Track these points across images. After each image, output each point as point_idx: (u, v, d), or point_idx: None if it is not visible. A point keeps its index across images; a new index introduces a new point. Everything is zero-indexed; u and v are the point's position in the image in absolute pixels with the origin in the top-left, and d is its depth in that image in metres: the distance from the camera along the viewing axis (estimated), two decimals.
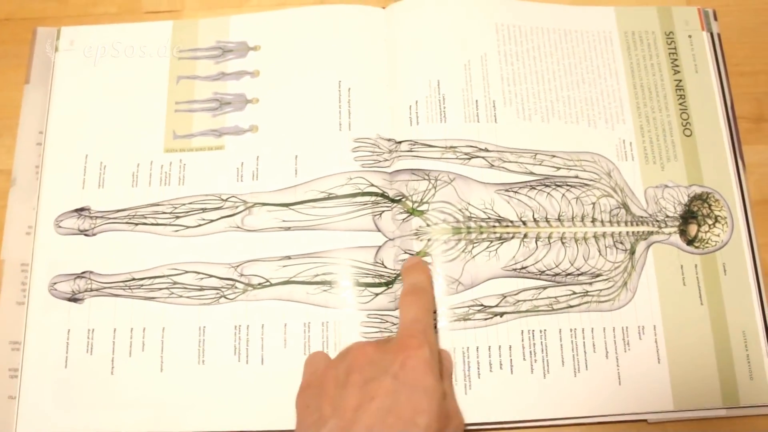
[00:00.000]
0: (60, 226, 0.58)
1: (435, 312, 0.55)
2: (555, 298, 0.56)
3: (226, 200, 0.58)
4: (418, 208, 0.57)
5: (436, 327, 0.55)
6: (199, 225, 0.58)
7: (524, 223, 0.57)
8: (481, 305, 0.55)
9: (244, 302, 0.56)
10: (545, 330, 0.55)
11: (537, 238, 0.57)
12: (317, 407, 0.45)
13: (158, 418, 0.54)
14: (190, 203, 0.58)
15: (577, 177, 0.59)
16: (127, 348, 0.55)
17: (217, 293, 0.56)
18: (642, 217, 0.58)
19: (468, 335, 0.55)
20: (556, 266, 0.57)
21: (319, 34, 0.62)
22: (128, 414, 0.54)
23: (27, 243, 0.58)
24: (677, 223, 0.58)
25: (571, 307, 0.56)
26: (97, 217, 0.58)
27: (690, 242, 0.58)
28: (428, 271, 0.55)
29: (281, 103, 0.61)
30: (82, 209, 0.58)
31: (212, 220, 0.58)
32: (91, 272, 0.57)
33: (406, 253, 0.56)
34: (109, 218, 0.58)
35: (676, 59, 0.63)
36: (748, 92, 0.63)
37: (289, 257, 0.57)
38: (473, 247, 0.56)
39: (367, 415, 0.42)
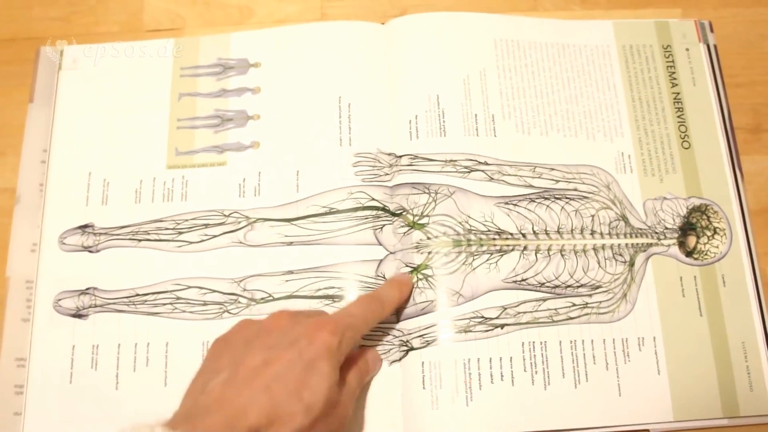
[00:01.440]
0: (64, 243, 0.59)
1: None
2: (555, 309, 0.56)
3: (228, 216, 0.59)
4: (419, 222, 0.57)
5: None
6: (202, 240, 0.58)
7: (524, 235, 0.58)
8: (482, 317, 0.56)
9: (248, 317, 0.56)
10: (546, 342, 0.55)
11: (537, 251, 0.57)
12: (218, 358, 0.47)
13: None
14: (193, 219, 0.59)
15: (576, 190, 0.59)
16: (131, 363, 0.56)
17: (221, 308, 0.57)
18: (641, 229, 0.58)
19: (469, 347, 0.55)
20: (556, 278, 0.57)
21: (319, 50, 0.63)
22: None
23: (32, 260, 0.58)
24: (676, 235, 0.58)
25: (571, 318, 0.56)
26: (100, 233, 0.59)
27: (689, 254, 0.58)
28: (405, 294, 0.56)
29: (282, 119, 0.61)
30: (85, 226, 0.59)
31: (215, 236, 0.58)
32: (95, 288, 0.57)
33: (407, 266, 0.56)
34: (113, 235, 0.59)
35: (674, 72, 0.63)
36: (745, 103, 0.64)
37: (291, 272, 0.57)
38: (474, 260, 0.57)
39: (258, 376, 0.44)
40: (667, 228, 0.59)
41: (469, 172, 0.59)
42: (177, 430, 0.38)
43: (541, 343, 0.55)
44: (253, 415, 0.42)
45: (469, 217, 0.58)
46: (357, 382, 0.51)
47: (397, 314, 0.56)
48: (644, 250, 0.58)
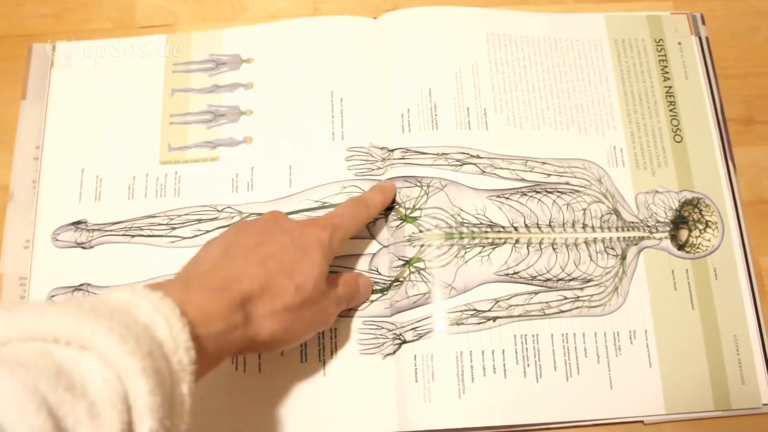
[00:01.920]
0: (57, 240, 0.59)
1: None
2: (547, 303, 0.56)
3: (221, 211, 0.59)
4: (411, 215, 0.58)
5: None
6: (195, 236, 0.58)
7: (516, 228, 0.58)
8: (475, 310, 0.56)
9: None
10: (537, 335, 0.56)
11: (528, 244, 0.58)
12: (210, 245, 0.48)
13: None
14: (186, 214, 0.59)
15: (567, 183, 0.59)
16: None
17: None
18: (633, 222, 0.59)
19: (461, 340, 0.55)
20: (548, 272, 0.57)
21: (312, 45, 0.63)
22: None
23: (25, 257, 0.59)
24: (668, 229, 0.59)
25: (562, 312, 0.56)
26: (94, 229, 0.59)
27: (681, 247, 0.58)
28: (389, 199, 0.57)
29: (275, 114, 0.61)
30: (79, 222, 0.59)
31: (208, 231, 0.58)
32: (88, 284, 0.58)
33: (400, 259, 0.57)
34: (106, 231, 0.59)
35: (666, 66, 0.63)
36: (737, 95, 0.64)
37: None
38: (466, 252, 0.57)
39: (252, 252, 0.45)
40: (659, 221, 0.59)
41: (461, 166, 0.59)
42: (159, 291, 0.37)
43: (533, 336, 0.55)
44: (247, 281, 0.43)
45: (461, 210, 0.58)
46: (344, 293, 0.52)
47: (391, 307, 0.56)
48: (636, 244, 0.58)
